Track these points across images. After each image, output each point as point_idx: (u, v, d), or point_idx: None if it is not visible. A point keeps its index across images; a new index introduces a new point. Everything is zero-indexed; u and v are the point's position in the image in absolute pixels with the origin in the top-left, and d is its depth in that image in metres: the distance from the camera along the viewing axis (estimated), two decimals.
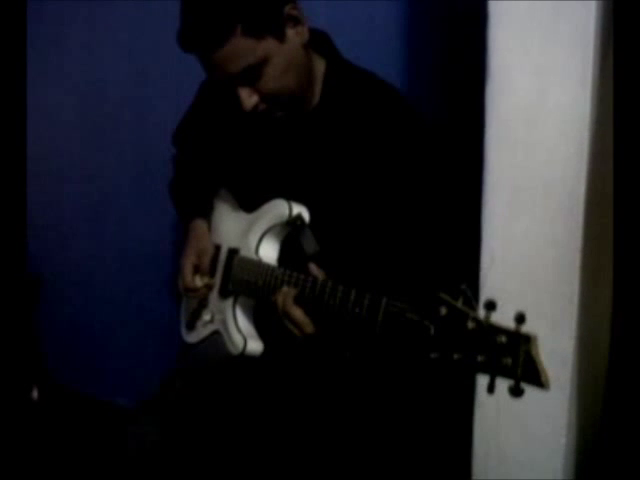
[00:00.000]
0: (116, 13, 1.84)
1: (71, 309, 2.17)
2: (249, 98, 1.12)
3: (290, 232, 1.23)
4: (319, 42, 1.23)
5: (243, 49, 1.07)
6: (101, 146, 1.97)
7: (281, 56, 1.10)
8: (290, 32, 1.12)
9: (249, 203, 1.29)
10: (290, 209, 1.20)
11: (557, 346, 1.06)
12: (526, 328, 1.08)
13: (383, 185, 1.15)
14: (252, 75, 1.10)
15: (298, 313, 1.08)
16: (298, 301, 1.09)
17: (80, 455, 1.75)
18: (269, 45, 1.09)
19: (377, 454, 1.21)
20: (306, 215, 1.20)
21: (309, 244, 1.20)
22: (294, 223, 1.20)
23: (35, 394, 1.75)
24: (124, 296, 2.03)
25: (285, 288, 1.11)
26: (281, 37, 1.10)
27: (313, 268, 1.11)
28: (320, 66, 1.22)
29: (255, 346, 1.23)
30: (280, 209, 1.21)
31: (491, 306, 0.83)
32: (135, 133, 1.87)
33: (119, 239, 2.01)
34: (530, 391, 1.10)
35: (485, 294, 1.10)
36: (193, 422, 1.22)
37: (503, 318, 1.09)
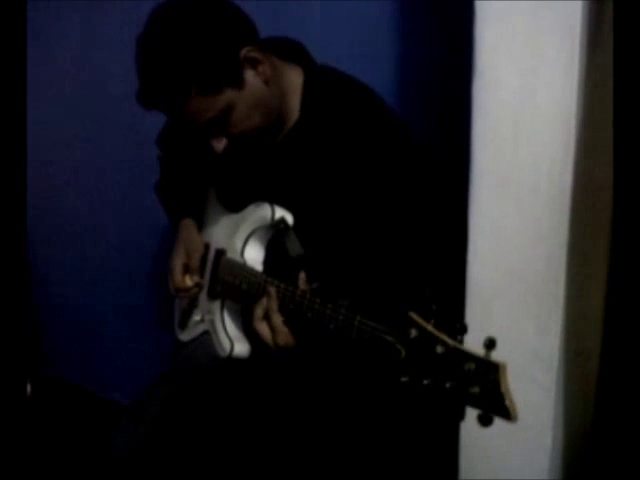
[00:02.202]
0: (115, 10, 1.81)
1: (70, 304, 2.21)
2: (218, 143, 1.13)
3: (274, 235, 1.21)
4: (292, 51, 1.19)
5: (202, 107, 1.07)
6: (101, 144, 1.97)
7: (243, 102, 1.09)
8: (249, 75, 1.09)
9: (234, 204, 1.28)
10: (273, 212, 1.18)
11: (542, 345, 1.05)
12: (512, 328, 1.08)
13: (364, 192, 1.13)
14: (218, 125, 1.10)
15: (278, 320, 1.07)
16: (279, 308, 1.08)
17: (68, 450, 1.79)
18: (228, 95, 1.08)
19: (363, 456, 1.21)
20: (289, 218, 1.18)
21: (293, 247, 1.18)
22: (277, 226, 1.18)
23: (28, 389, 1.77)
24: (122, 292, 2.05)
25: (271, 288, 1.09)
26: (239, 84, 1.08)
27: (301, 278, 1.09)
28: (297, 77, 1.19)
29: (242, 349, 1.23)
30: (263, 212, 1.19)
31: (462, 329, 0.81)
32: (135, 130, 1.85)
33: (118, 235, 2.02)
34: (515, 392, 1.09)
35: (471, 292, 1.09)
36: (180, 424, 1.23)
37: (489, 317, 1.09)
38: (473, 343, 0.85)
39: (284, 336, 1.06)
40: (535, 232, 1.01)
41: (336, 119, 1.15)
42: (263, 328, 1.08)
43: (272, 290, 1.08)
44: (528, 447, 1.11)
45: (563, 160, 0.96)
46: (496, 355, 0.97)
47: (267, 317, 1.08)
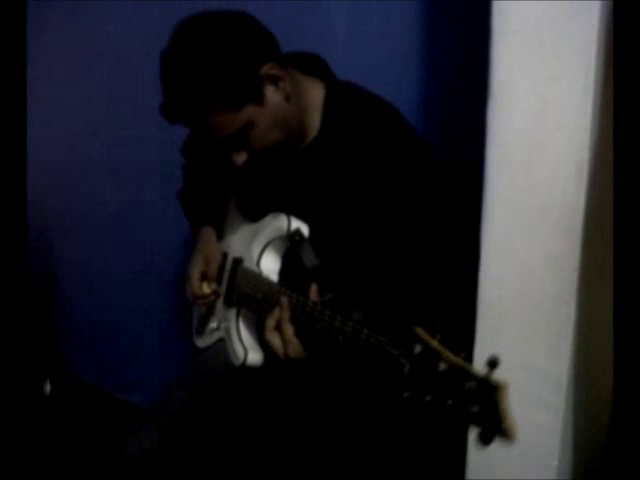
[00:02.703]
0: (147, 10, 1.85)
1: (90, 306, 2.25)
2: (239, 157, 1.15)
3: (290, 246, 1.22)
4: (313, 66, 1.21)
5: (223, 122, 1.09)
6: (125, 146, 2.00)
7: (263, 118, 1.11)
8: (270, 91, 1.11)
9: (252, 213, 1.30)
10: (289, 223, 1.19)
11: (552, 367, 1.04)
12: (522, 349, 1.07)
13: (380, 208, 1.14)
14: (238, 139, 1.12)
15: (289, 331, 1.09)
16: (291, 319, 1.10)
17: (83, 449, 1.82)
18: (249, 112, 1.09)
19: (368, 464, 1.21)
20: (305, 230, 1.19)
21: (308, 259, 1.19)
22: (293, 237, 1.20)
23: (47, 388, 1.80)
24: (142, 296, 2.08)
25: (284, 299, 1.11)
26: (260, 101, 1.10)
27: (313, 290, 1.10)
28: (317, 91, 1.21)
29: (256, 358, 1.25)
30: (279, 222, 1.21)
31: (463, 349, 0.81)
32: (161, 134, 1.87)
33: (138, 240, 2.04)
34: (524, 413, 1.08)
35: (482, 313, 1.09)
36: (192, 430, 1.25)
37: (499, 338, 1.08)
38: (483, 363, 0.85)
39: (295, 347, 1.08)
40: (546, 255, 1.00)
41: (356, 134, 1.16)
42: (274, 339, 1.10)
43: (284, 301, 1.10)
44: (535, 468, 1.10)
45: (576, 184, 0.96)
46: (505, 376, 0.97)
47: (279, 328, 1.10)
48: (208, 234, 1.39)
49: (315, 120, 1.20)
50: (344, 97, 1.21)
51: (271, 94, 1.11)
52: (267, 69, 1.09)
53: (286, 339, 1.08)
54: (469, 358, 1.08)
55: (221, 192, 1.42)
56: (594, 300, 1.06)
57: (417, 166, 1.15)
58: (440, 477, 1.22)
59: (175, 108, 1.11)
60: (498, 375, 0.81)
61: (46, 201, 2.15)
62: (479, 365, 0.86)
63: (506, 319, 1.07)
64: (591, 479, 1.21)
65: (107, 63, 1.98)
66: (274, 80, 1.11)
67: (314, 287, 1.09)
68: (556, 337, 1.02)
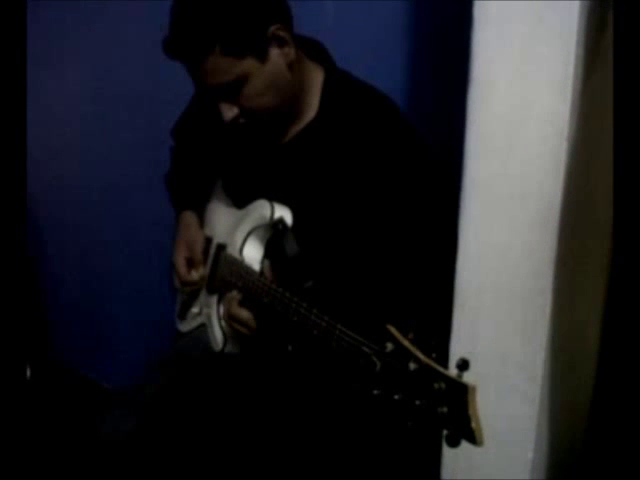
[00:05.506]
0: (137, 3, 1.82)
1: (76, 293, 2.25)
2: (229, 111, 1.13)
3: (273, 235, 1.22)
4: (315, 51, 1.20)
5: (221, 67, 1.07)
6: (114, 132, 1.97)
7: (261, 76, 1.09)
8: (274, 52, 1.10)
9: (239, 199, 1.29)
10: (272, 211, 1.18)
11: (527, 358, 1.04)
12: (498, 339, 1.07)
13: (371, 198, 1.13)
14: (231, 91, 1.10)
15: (243, 313, 1.15)
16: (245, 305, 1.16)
17: (60, 435, 1.84)
18: (249, 65, 1.08)
19: (343, 461, 1.21)
20: (288, 219, 1.18)
21: (290, 248, 1.19)
22: (276, 226, 1.19)
23: (27, 372, 1.79)
24: (130, 283, 2.07)
25: (231, 293, 1.18)
26: (262, 57, 1.09)
27: (266, 267, 1.17)
28: (317, 75, 1.20)
29: (234, 345, 1.25)
30: (263, 211, 1.20)
31: (435, 349, 0.81)
32: (149, 119, 1.85)
33: (128, 225, 2.03)
34: (499, 403, 1.08)
35: (458, 303, 1.09)
36: (170, 413, 1.25)
37: (476, 328, 1.08)
38: (459, 354, 0.85)
39: (252, 321, 1.15)
40: (523, 245, 1.00)
41: (353, 123, 1.16)
42: (237, 327, 1.17)
43: (230, 296, 1.18)
44: (510, 460, 1.10)
45: (553, 175, 0.95)
46: (481, 365, 0.96)
47: (233, 318, 1.16)
48: (188, 219, 1.39)
49: (312, 104, 1.19)
50: (343, 84, 1.20)
51: (275, 56, 1.10)
52: (276, 29, 1.08)
53: (245, 321, 1.15)
54: (444, 350, 1.09)
55: (207, 175, 1.41)
56: (571, 290, 1.05)
57: (413, 161, 1.14)
58: (415, 465, 1.23)
59: (180, 41, 1.09)
60: (474, 365, 0.81)
61: (35, 186, 2.13)
62: (455, 356, 0.86)
63: (483, 308, 1.07)
64: (566, 470, 1.22)
65: (98, 49, 1.94)
66: (281, 42, 1.10)
67: (267, 263, 1.14)
68: (532, 327, 1.01)
